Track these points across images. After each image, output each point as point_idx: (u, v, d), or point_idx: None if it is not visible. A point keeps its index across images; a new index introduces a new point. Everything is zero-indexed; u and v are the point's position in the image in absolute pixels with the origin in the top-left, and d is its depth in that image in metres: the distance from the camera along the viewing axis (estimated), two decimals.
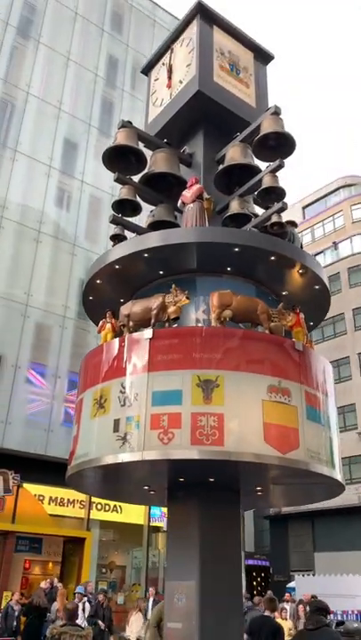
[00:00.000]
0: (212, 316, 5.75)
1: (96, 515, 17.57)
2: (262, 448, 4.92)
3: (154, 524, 18.62)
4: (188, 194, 6.85)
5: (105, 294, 6.74)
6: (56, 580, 14.08)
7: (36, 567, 17.98)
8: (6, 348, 16.86)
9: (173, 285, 5.81)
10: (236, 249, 5.83)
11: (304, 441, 5.13)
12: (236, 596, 5.67)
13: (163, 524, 17.92)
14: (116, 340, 5.82)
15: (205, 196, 6.72)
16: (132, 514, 18.23)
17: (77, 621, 7.05)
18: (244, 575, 18.82)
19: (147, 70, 9.11)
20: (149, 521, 18.61)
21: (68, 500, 16.93)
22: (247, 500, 6.27)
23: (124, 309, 6.07)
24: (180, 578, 5.58)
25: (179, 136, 8.12)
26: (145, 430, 5.03)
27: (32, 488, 16.30)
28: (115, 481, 6.09)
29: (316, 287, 6.48)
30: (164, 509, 18.08)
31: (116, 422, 5.24)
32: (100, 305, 6.80)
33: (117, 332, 6.30)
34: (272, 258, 5.96)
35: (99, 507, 17.51)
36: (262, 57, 8.74)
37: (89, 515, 17.35)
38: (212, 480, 5.57)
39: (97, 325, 6.73)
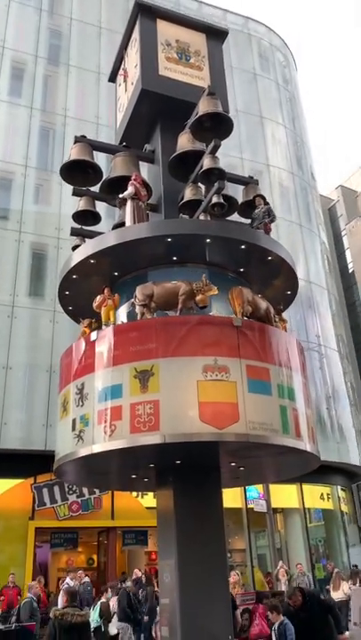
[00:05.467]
0: (236, 310, 6.02)
1: None
2: (198, 427, 5.10)
3: (251, 506, 18.81)
4: (142, 192, 7.04)
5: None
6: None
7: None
8: None
9: (204, 275, 6.00)
10: (169, 239, 6.02)
11: (245, 414, 5.22)
12: (220, 571, 5.85)
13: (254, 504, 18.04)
14: (82, 342, 6.21)
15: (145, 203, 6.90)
16: (228, 497, 18.55)
17: None
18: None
19: (112, 78, 9.46)
20: (246, 503, 18.85)
21: None
22: (230, 476, 6.44)
23: (146, 289, 6.03)
24: (165, 557, 5.91)
25: (142, 136, 8.37)
26: (93, 426, 5.43)
27: None
28: (96, 472, 6.55)
29: (270, 258, 6.45)
30: (261, 490, 18.31)
31: (73, 422, 5.69)
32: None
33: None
34: (207, 240, 6.07)
35: None
36: (215, 35, 8.71)
37: None
38: (178, 462, 5.82)
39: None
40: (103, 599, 11.12)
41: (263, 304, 6.40)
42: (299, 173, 27.22)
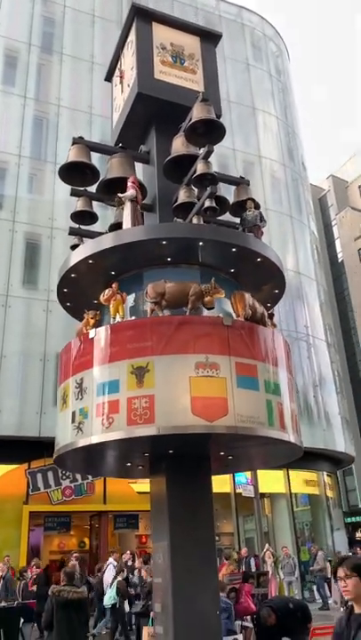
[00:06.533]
0: (239, 313, 6.48)
1: None
2: (190, 420, 5.49)
3: (240, 491, 19.38)
4: (139, 195, 7.37)
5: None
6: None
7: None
8: None
9: (213, 279, 6.34)
10: (164, 242, 6.37)
11: (233, 407, 5.61)
12: (209, 553, 6.28)
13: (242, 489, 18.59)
14: (81, 338, 6.56)
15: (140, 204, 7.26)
16: (217, 483, 19.07)
17: None
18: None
19: (109, 77, 9.67)
20: (235, 488, 19.41)
21: None
22: (220, 464, 6.87)
23: (158, 287, 6.28)
24: (158, 539, 6.34)
25: (137, 136, 8.65)
26: (92, 418, 5.81)
27: None
28: (93, 461, 6.94)
29: (259, 260, 6.82)
30: (249, 475, 18.85)
31: (73, 414, 6.06)
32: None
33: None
34: (200, 243, 6.42)
35: None
36: (209, 38, 8.97)
37: None
38: (171, 452, 6.22)
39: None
40: (120, 578, 11.92)
41: (260, 308, 6.85)
42: (290, 164, 27.50)
